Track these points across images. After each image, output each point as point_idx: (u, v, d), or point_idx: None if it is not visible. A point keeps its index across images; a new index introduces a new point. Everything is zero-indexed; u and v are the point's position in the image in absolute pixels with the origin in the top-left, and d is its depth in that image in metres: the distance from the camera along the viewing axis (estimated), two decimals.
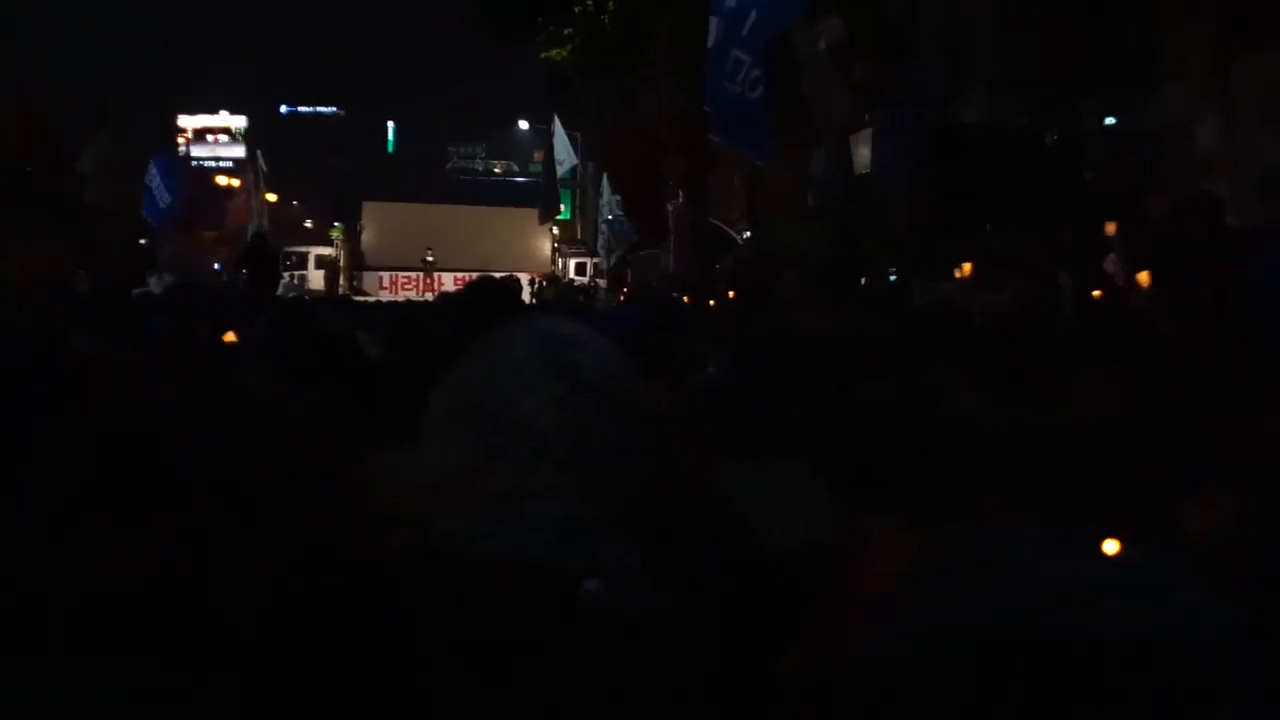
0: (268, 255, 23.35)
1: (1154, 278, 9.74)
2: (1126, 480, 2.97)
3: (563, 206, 52.00)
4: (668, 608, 2.19)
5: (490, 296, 5.67)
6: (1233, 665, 1.55)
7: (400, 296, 36.96)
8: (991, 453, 2.61)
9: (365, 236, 51.87)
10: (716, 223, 26.16)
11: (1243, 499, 3.09)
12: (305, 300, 22.94)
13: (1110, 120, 19.39)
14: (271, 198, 60.83)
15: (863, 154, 18.57)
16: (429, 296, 30.24)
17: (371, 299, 33.35)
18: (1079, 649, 1.51)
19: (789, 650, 2.35)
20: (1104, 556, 1.75)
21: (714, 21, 13.59)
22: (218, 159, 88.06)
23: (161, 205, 27.61)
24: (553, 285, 36.13)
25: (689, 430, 4.29)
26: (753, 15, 12.68)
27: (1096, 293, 10.88)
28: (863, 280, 15.26)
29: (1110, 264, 11.00)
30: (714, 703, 2.30)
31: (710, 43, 13.53)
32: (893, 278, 15.12)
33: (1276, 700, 1.67)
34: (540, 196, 43.78)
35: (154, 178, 27.84)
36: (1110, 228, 11.06)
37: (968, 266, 11.81)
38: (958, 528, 2.17)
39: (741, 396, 4.94)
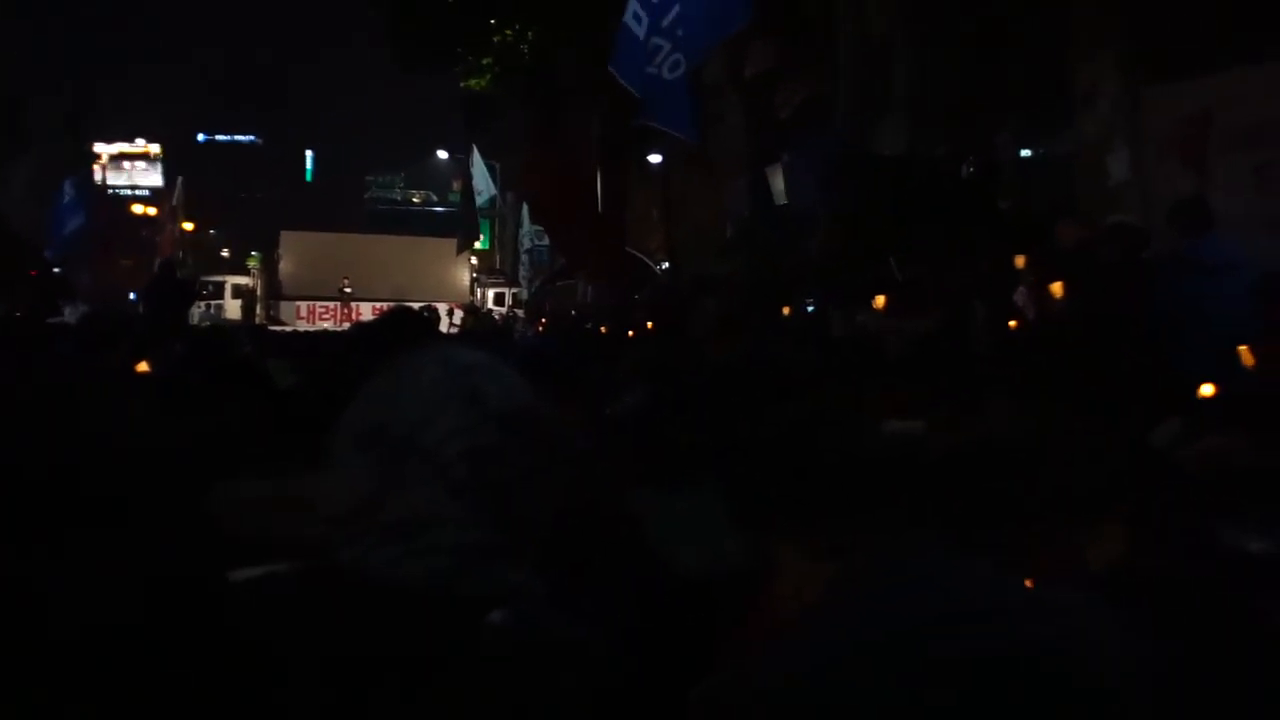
0: (176, 284, 23.17)
1: (1070, 303, 9.84)
2: (1031, 505, 2.99)
3: (481, 236, 51.98)
4: (575, 636, 2.17)
5: (403, 326, 5.64)
6: (1130, 686, 1.56)
7: (317, 326, 36.73)
8: (901, 479, 2.61)
9: (283, 266, 51.46)
10: (635, 253, 26.19)
11: (1143, 522, 3.12)
12: (217, 329, 22.76)
13: (1026, 151, 19.60)
14: (189, 226, 60.48)
15: (780, 184, 18.69)
16: (346, 326, 30.09)
17: (288, 328, 33.15)
18: (983, 669, 1.51)
19: (702, 678, 2.34)
20: (1007, 580, 1.76)
21: (631, 10, 14.09)
22: (134, 186, 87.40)
23: (66, 231, 27.35)
24: (471, 315, 35.99)
25: (601, 459, 4.28)
26: (675, 9, 13.45)
27: (1012, 323, 10.98)
28: (782, 310, 15.32)
29: (1020, 296, 11.09)
30: None
31: (639, 34, 13.93)
32: (810, 307, 15.19)
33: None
34: (460, 226, 43.69)
35: (63, 202, 27.61)
36: (1020, 261, 11.15)
37: (882, 298, 11.88)
38: (866, 554, 2.17)
39: (657, 425, 4.93)
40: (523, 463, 2.10)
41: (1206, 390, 4.88)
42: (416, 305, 29.95)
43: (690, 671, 2.37)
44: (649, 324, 17.31)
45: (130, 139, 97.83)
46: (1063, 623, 1.63)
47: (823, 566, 2.23)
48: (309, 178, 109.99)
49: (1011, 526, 2.93)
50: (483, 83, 31.09)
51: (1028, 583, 2.10)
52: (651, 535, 3.18)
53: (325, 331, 21.22)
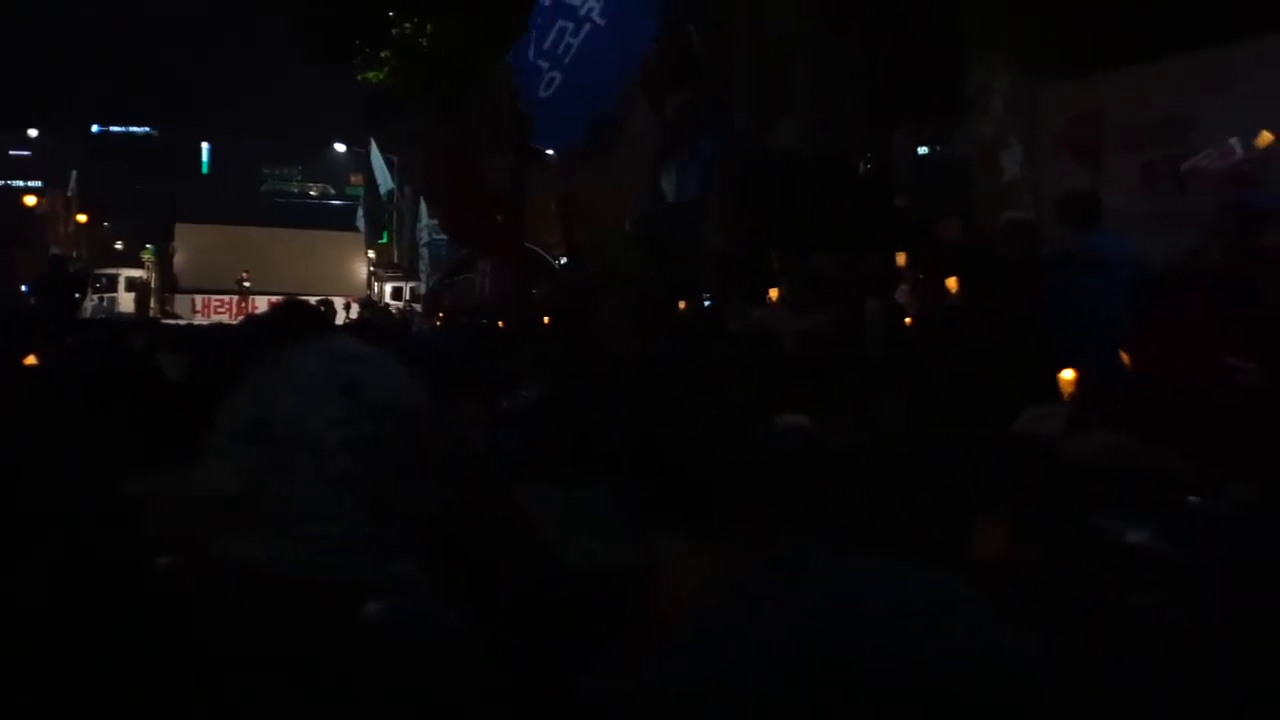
0: (66, 278, 22.87)
1: (963, 300, 9.92)
2: (921, 502, 3.00)
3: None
4: (456, 628, 2.16)
5: (293, 319, 5.59)
6: (1019, 683, 1.56)
7: (213, 320, 36.36)
8: (790, 476, 2.61)
9: (178, 259, 50.76)
10: (533, 248, 26.12)
11: (1027, 517, 3.15)
12: (108, 323, 22.47)
13: (923, 149, 19.74)
14: (82, 219, 59.66)
15: (674, 182, 18.69)
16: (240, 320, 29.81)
17: (183, 322, 32.75)
18: (869, 668, 1.51)
19: (590, 671, 2.34)
20: (895, 577, 1.76)
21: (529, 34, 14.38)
22: (26, 179, 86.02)
23: None
24: (367, 309, 35.74)
25: (489, 453, 4.27)
26: (559, 26, 13.85)
27: (908, 319, 11.06)
28: (679, 305, 15.36)
29: (902, 294, 11.18)
30: None
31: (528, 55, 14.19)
32: (707, 303, 15.23)
33: (1058, 715, 1.70)
34: (365, 219, 43.50)
35: None
36: (901, 258, 11.23)
37: (775, 292, 11.94)
38: (754, 551, 2.17)
39: (552, 421, 4.92)
40: (404, 456, 2.08)
41: (1066, 375, 4.94)
42: (313, 299, 29.79)
43: (580, 665, 2.36)
44: (547, 319, 17.30)
45: (22, 130, 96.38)
46: (950, 620, 1.63)
47: (711, 562, 2.23)
48: (205, 170, 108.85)
49: (901, 524, 2.94)
50: (381, 76, 30.89)
51: (917, 580, 2.11)
52: (544, 530, 3.18)
53: (219, 325, 21.01)
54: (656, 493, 2.39)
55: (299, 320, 5.59)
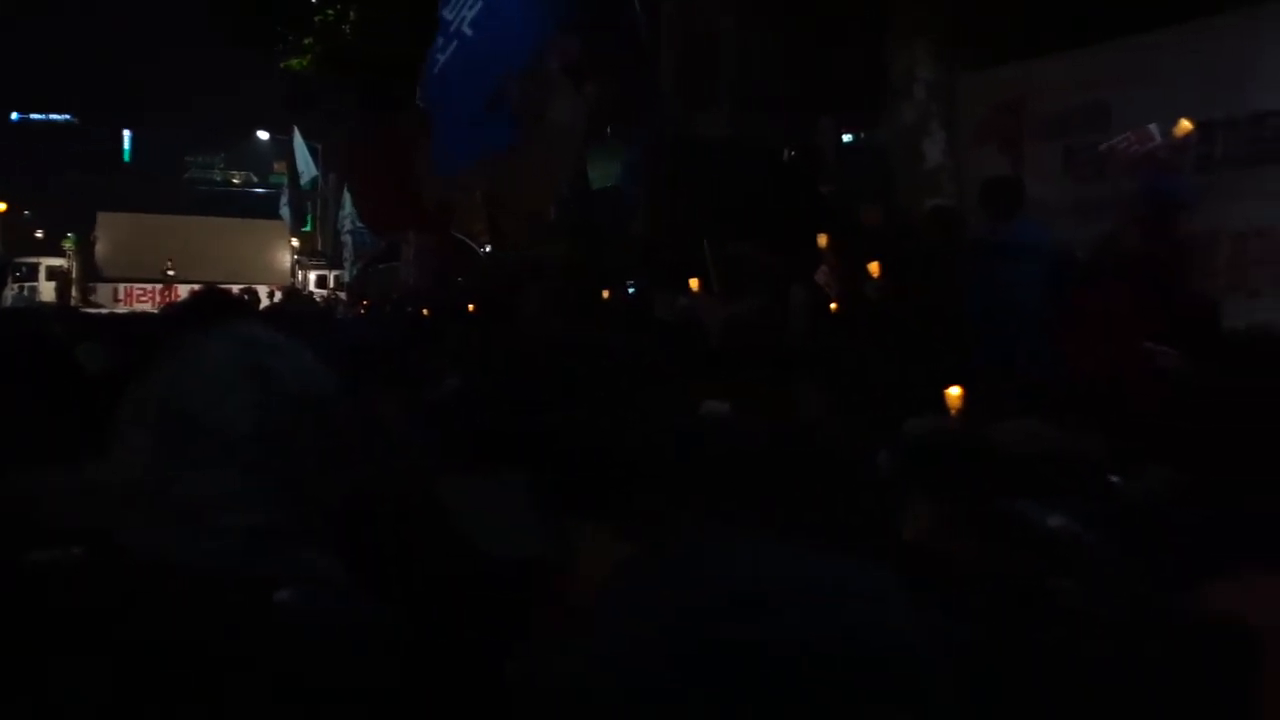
0: None
1: (884, 286, 9.94)
2: (836, 487, 3.01)
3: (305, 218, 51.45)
4: (367, 616, 2.15)
5: (210, 307, 5.54)
6: (928, 667, 1.56)
7: (135, 308, 36.04)
8: (706, 461, 2.61)
9: (100, 247, 50.21)
10: (459, 235, 26.01)
11: (948, 501, 3.16)
12: (26, 310, 22.22)
13: (848, 137, 19.84)
14: (1, 207, 58.95)
15: (601, 169, 18.71)
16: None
17: (105, 311, 32.44)
18: (778, 652, 1.51)
19: (512, 657, 2.33)
20: (807, 561, 1.75)
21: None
22: None
23: None
24: (292, 298, 35.51)
25: (409, 441, 4.24)
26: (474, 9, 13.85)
27: (833, 305, 11.08)
28: (604, 293, 15.33)
29: (821, 275, 11.19)
30: (432, 708, 2.27)
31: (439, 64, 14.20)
32: (632, 289, 15.21)
33: (968, 701, 1.70)
34: (289, 207, 43.19)
35: None
36: (822, 240, 11.25)
37: (696, 282, 11.93)
38: (665, 535, 2.17)
39: (473, 408, 4.89)
40: (314, 442, 2.07)
41: (954, 391, 4.92)
42: (236, 288, 29.54)
43: (496, 651, 2.35)
44: (472, 307, 17.24)
45: None
46: (861, 605, 1.63)
47: (622, 548, 2.23)
48: (127, 158, 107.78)
49: (818, 508, 2.95)
50: (304, 63, 30.65)
51: (819, 564, 2.11)
52: (462, 518, 3.16)
53: (140, 314, 20.80)
54: (567, 480, 2.38)
55: (216, 308, 5.55)
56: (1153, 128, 9.35)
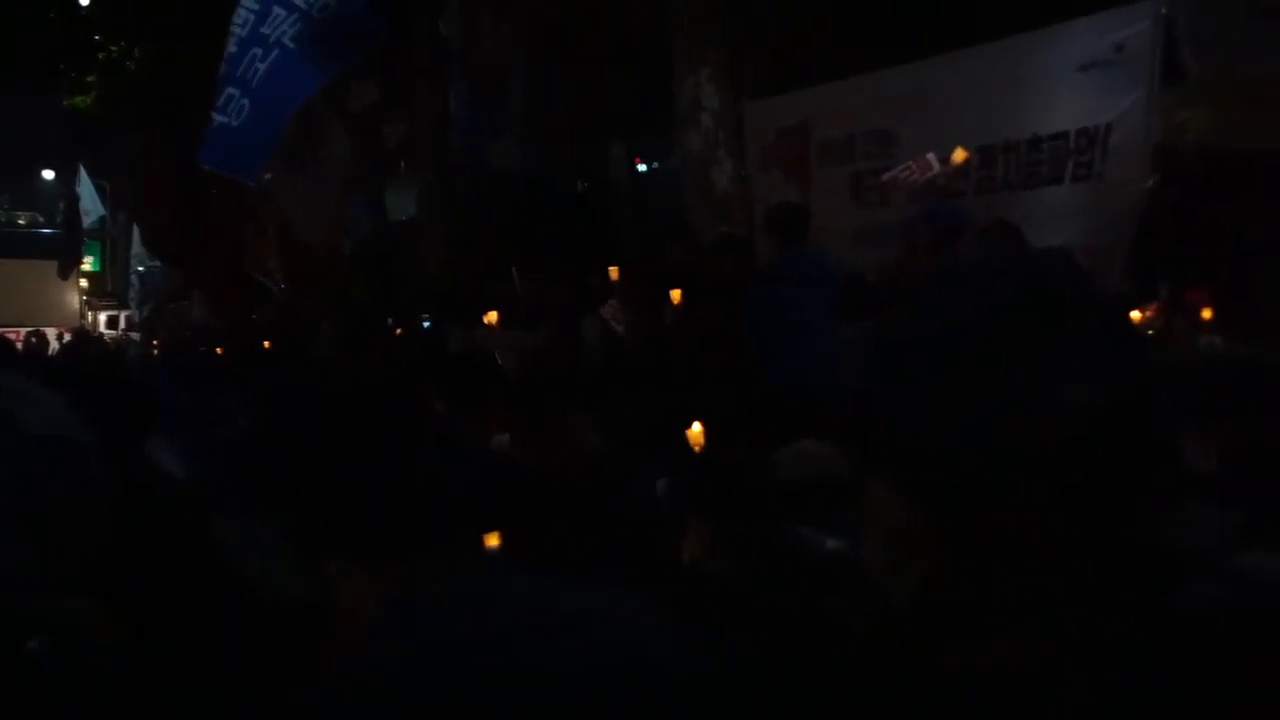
0: None
1: (676, 315, 9.99)
2: (612, 516, 3.01)
3: (91, 259, 50.24)
4: (121, 666, 2.09)
5: None
6: (691, 693, 1.55)
7: None
8: (472, 496, 2.59)
9: None
10: (253, 272, 25.64)
11: (723, 530, 3.18)
12: None
13: (642, 166, 19.97)
14: None
15: (396, 203, 18.63)
16: None
17: None
18: (542, 683, 1.49)
19: (284, 699, 2.28)
20: (571, 592, 1.74)
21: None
22: None
23: None
24: (82, 340, 34.61)
25: (186, 483, 4.16)
26: (251, 53, 14.10)
27: (624, 337, 11.11)
28: (398, 329, 15.24)
29: (609, 309, 11.23)
30: None
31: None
32: (426, 324, 15.13)
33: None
34: (61, 248, 42.15)
35: None
36: (613, 273, 11.29)
37: (494, 314, 11.90)
38: (428, 573, 2.14)
39: (254, 449, 4.83)
40: (60, 490, 2.01)
41: (695, 429, 4.93)
42: (23, 330, 28.71)
43: (267, 696, 2.31)
44: (266, 345, 17.01)
45: None
46: (626, 634, 1.61)
47: (383, 587, 2.19)
48: None
49: (594, 537, 2.94)
50: (88, 100, 30.09)
51: (576, 594, 2.10)
52: (242, 562, 3.11)
53: None
54: (326, 520, 2.35)
55: None
56: (931, 156, 9.57)
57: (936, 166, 9.60)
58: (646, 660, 1.56)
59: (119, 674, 2.07)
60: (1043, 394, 1.48)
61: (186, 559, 3.04)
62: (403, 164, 20.84)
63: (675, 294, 10.10)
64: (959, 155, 9.67)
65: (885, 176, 9.96)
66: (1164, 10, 8.84)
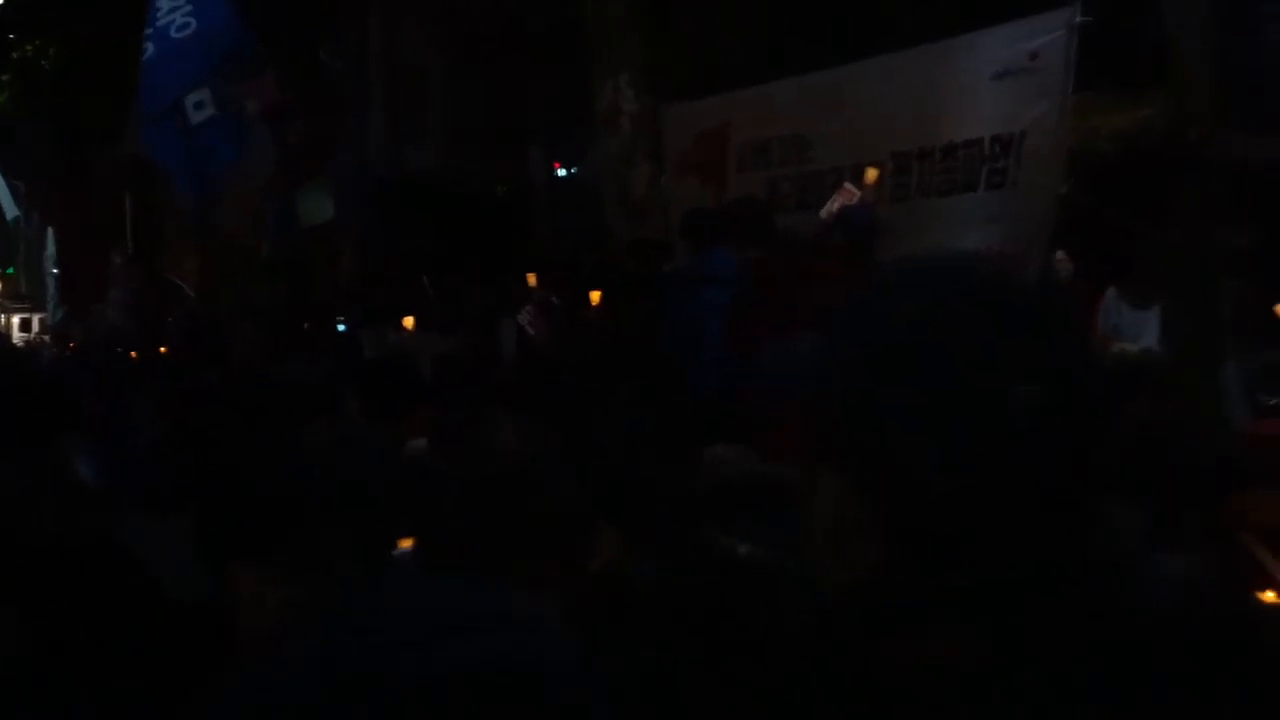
0: None
1: (591, 320, 10.02)
2: (524, 520, 3.00)
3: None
4: (21, 673, 2.09)
5: None
6: (591, 699, 1.56)
7: None
8: (388, 499, 2.58)
9: None
10: (170, 276, 25.41)
11: (640, 529, 3.17)
12: None
13: (562, 171, 19.96)
14: None
15: (309, 206, 18.53)
16: None
17: None
18: (443, 686, 1.49)
19: (186, 702, 2.28)
20: (475, 595, 1.74)
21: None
22: None
23: None
24: None
25: (96, 486, 4.13)
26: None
27: (552, 340, 11.11)
28: (310, 330, 15.18)
29: (526, 315, 11.23)
30: None
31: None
32: (341, 327, 15.07)
33: None
34: None
35: None
36: (531, 279, 11.30)
37: (411, 318, 11.88)
38: (329, 575, 2.14)
39: (163, 452, 4.80)
40: None
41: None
42: None
43: (176, 698, 2.30)
44: (181, 350, 16.89)
45: None
46: (525, 637, 1.62)
47: (283, 589, 2.19)
48: None
49: (503, 540, 2.93)
50: (1, 100, 29.76)
51: (504, 596, 2.10)
52: (142, 561, 3.09)
53: None
54: (228, 521, 2.34)
55: None
56: (849, 185, 9.70)
57: (856, 192, 9.72)
58: (546, 664, 1.57)
59: (20, 682, 2.07)
60: (997, 390, 1.50)
61: (92, 558, 3.02)
62: (320, 165, 20.70)
63: (594, 295, 10.11)
64: (870, 175, 9.81)
65: (822, 212, 9.95)
66: (1077, 19, 8.91)
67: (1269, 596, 3.70)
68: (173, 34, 14.03)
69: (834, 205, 9.69)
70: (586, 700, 1.58)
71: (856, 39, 11.49)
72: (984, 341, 1.53)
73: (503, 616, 1.65)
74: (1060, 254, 10.19)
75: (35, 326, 43.77)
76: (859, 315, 1.69)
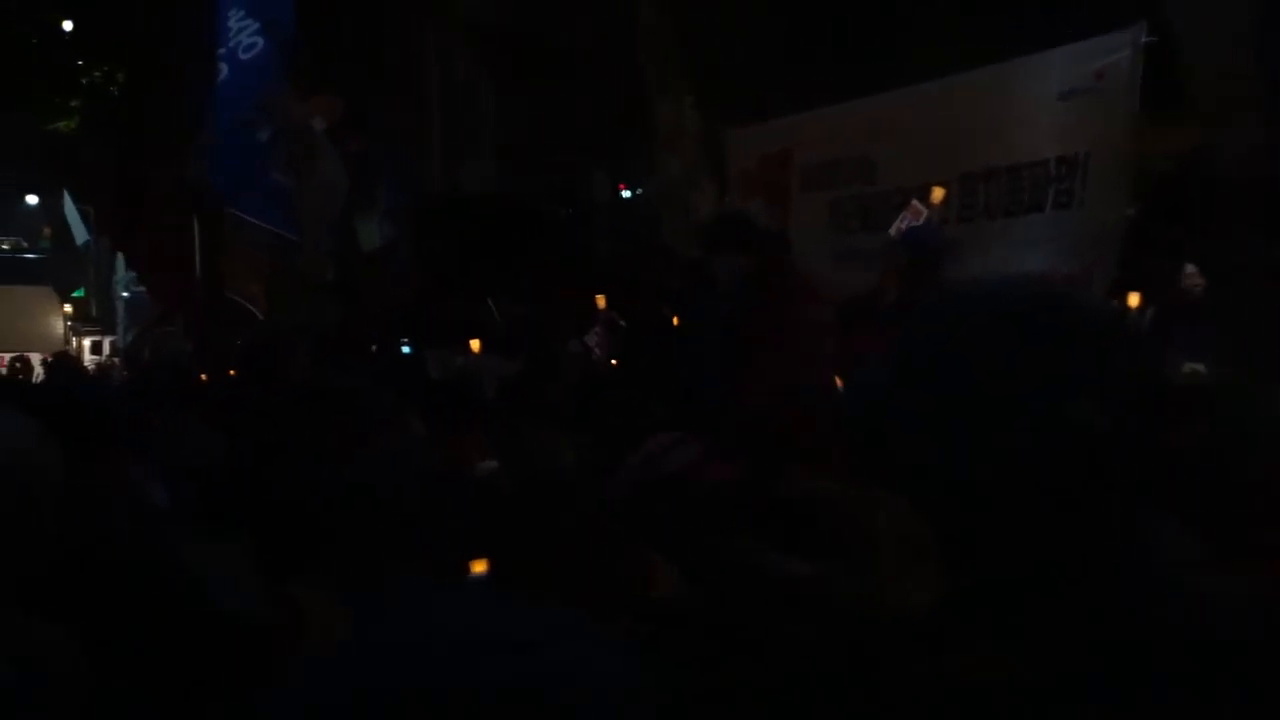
0: None
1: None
2: (575, 539, 2.99)
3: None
4: (81, 694, 2.08)
5: None
6: (629, 713, 1.54)
7: None
8: (430, 518, 2.58)
9: None
10: (236, 298, 25.56)
11: (686, 552, 3.15)
12: None
13: (626, 193, 19.97)
14: None
15: (371, 229, 18.61)
16: None
17: None
18: (491, 700, 1.48)
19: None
20: (519, 613, 1.72)
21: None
22: None
23: None
24: (59, 363, 34.39)
25: (153, 504, 4.14)
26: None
27: (614, 361, 11.12)
28: (374, 352, 15.24)
29: (593, 337, 11.23)
30: None
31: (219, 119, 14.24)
32: (406, 349, 15.10)
33: None
34: (56, 271, 42.14)
35: None
36: (601, 301, 11.30)
37: (477, 341, 11.91)
38: (385, 594, 2.12)
39: (225, 472, 4.82)
40: (17, 511, 2.00)
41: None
42: (8, 356, 28.61)
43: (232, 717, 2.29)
44: (244, 371, 16.99)
45: None
46: (577, 656, 1.60)
47: (339, 608, 2.19)
48: None
49: (556, 560, 2.92)
50: (71, 124, 30.00)
51: (556, 615, 2.08)
52: (200, 581, 3.09)
53: None
54: (284, 542, 2.34)
55: None
56: (916, 203, 9.63)
57: (925, 211, 9.67)
58: (596, 683, 1.55)
59: (80, 703, 2.06)
60: (1054, 410, 1.50)
61: (149, 579, 3.02)
62: (380, 189, 20.75)
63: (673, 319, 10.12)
64: (937, 195, 9.76)
65: (891, 230, 9.90)
66: (1143, 39, 8.85)
67: None
68: (241, 55, 14.12)
69: (902, 223, 9.65)
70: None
71: (904, 66, 11.45)
72: (1041, 362, 1.53)
73: (554, 635, 1.63)
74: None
75: (106, 349, 44.17)
76: (920, 336, 1.69)
